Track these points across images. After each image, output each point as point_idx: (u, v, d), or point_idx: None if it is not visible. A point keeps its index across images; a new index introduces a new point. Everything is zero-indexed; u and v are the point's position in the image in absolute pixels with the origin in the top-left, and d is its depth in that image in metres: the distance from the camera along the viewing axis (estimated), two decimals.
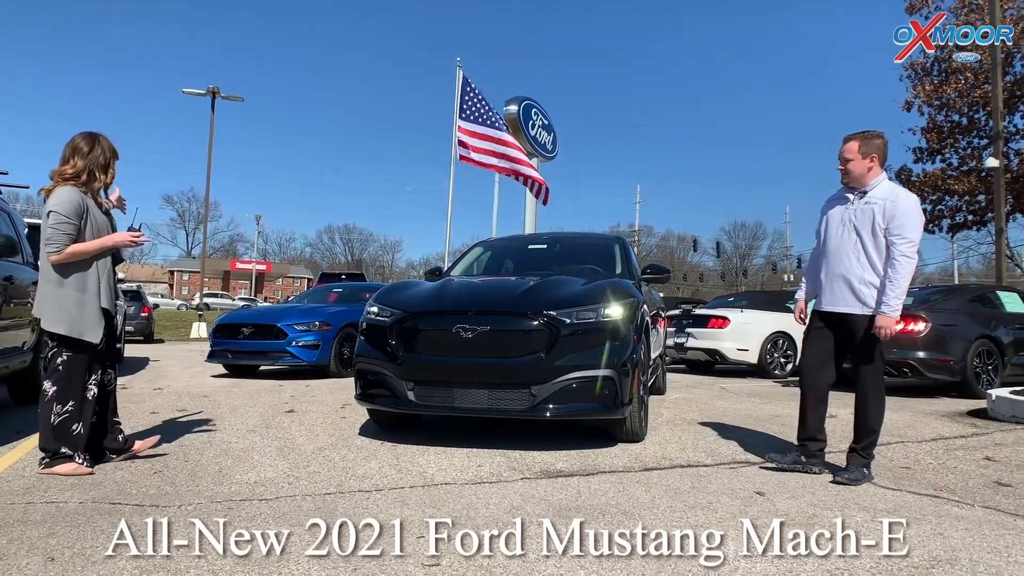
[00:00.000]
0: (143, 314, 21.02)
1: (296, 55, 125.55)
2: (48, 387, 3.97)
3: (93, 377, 4.11)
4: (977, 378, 8.65)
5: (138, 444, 4.45)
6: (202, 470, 4.14)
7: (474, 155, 14.48)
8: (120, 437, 4.37)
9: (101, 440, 4.27)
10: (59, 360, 3.98)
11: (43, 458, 3.99)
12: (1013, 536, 3.08)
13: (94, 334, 3.97)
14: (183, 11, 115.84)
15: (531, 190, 15.43)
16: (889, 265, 4.01)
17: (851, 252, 4.13)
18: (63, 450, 3.96)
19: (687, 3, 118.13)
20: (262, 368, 10.94)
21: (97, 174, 4.05)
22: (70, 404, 3.96)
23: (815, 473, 4.17)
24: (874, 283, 4.06)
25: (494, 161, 14.67)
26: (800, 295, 4.60)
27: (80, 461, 4.00)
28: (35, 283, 6.58)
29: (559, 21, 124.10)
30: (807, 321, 4.54)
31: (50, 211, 3.89)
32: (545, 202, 15.78)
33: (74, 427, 3.98)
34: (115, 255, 4.27)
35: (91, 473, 3.97)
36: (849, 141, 4.20)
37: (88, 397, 4.08)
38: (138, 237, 4.12)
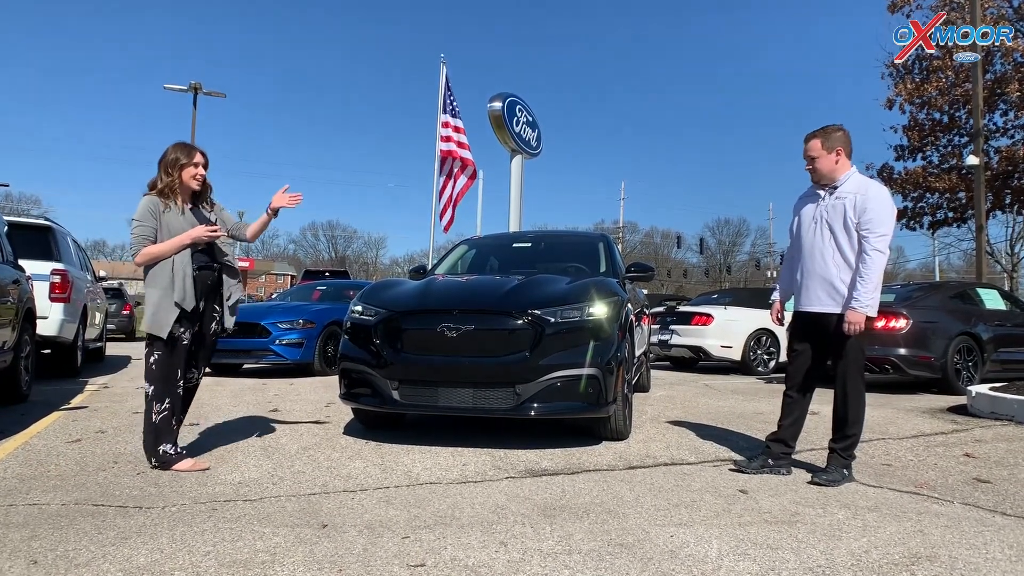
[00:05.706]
0: (124, 312, 20.97)
1: (279, 51, 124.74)
2: (148, 388, 4.14)
3: (181, 373, 4.25)
4: (957, 374, 8.77)
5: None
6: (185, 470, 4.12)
7: (456, 149, 15.39)
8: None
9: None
10: (151, 360, 4.14)
11: (154, 465, 4.12)
12: (992, 533, 3.12)
13: (163, 328, 4.06)
14: (164, 6, 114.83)
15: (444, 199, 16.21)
16: (860, 260, 3.94)
17: (825, 250, 4.08)
18: (166, 449, 4.10)
19: (672, 3, 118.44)
20: (245, 367, 10.88)
21: (163, 177, 4.19)
22: (167, 402, 4.12)
23: (784, 474, 4.18)
24: (848, 280, 4.01)
25: (467, 155, 15.74)
26: (776, 296, 4.54)
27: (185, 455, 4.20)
28: (15, 281, 6.55)
29: (544, 18, 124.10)
30: (784, 321, 4.55)
31: (131, 219, 4.14)
32: (442, 218, 16.29)
33: (173, 422, 4.17)
34: (226, 266, 4.40)
35: (207, 468, 4.15)
36: (811, 140, 4.15)
37: (179, 392, 4.23)
38: (213, 231, 4.24)
